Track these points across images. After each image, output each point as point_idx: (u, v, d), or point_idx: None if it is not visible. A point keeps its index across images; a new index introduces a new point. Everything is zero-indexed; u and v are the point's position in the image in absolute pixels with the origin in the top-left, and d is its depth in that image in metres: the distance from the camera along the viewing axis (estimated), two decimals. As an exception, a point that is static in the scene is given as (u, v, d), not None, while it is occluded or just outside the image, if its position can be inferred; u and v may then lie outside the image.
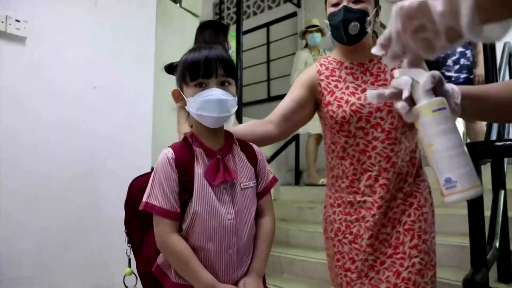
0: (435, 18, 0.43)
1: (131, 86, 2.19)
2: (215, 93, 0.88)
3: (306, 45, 3.79)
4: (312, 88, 1.22)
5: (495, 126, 1.86)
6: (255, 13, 5.54)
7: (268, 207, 1.02)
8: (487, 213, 1.70)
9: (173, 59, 2.10)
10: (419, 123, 0.63)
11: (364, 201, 1.13)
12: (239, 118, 2.93)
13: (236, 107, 0.94)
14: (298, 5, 4.92)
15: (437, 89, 0.65)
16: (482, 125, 2.89)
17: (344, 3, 1.14)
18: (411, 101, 0.65)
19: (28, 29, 1.75)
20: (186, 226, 0.89)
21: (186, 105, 0.93)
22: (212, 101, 0.88)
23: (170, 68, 0.84)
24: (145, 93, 2.26)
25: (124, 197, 1.05)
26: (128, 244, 1.05)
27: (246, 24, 4.96)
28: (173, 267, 0.90)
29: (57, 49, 1.87)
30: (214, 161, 0.90)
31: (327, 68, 1.23)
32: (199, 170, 0.89)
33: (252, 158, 1.00)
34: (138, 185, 1.02)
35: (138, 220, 1.02)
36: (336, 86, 1.19)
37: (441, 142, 0.59)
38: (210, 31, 1.93)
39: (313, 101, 1.24)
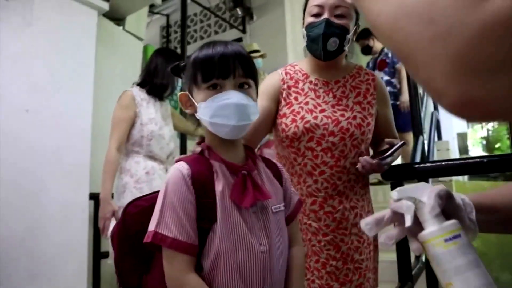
0: None
1: (69, 108, 2.10)
2: (232, 96, 0.72)
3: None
4: (275, 98, 1.14)
5: (419, 149, 2.04)
6: (202, 37, 5.61)
7: (297, 234, 0.86)
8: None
9: (115, 81, 2.06)
10: (430, 255, 0.50)
11: (310, 225, 1.08)
12: (183, 140, 2.91)
13: (258, 114, 0.77)
14: (244, 31, 5.08)
15: (445, 206, 0.53)
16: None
17: (326, 15, 1.06)
18: (415, 222, 0.52)
19: (-50, 48, 1.62)
20: (209, 263, 0.70)
21: (196, 111, 0.77)
22: (229, 106, 0.71)
23: (176, 69, 0.72)
24: (83, 114, 2.18)
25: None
26: None
27: (193, 48, 5.00)
28: None
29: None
30: (240, 178, 0.73)
31: (291, 78, 1.16)
32: (219, 188, 0.72)
33: (277, 176, 0.84)
34: (135, 212, 0.80)
35: (134, 258, 0.79)
36: (296, 99, 1.12)
37: (462, 282, 0.46)
38: (161, 59, 1.92)
39: (276, 110, 1.15)
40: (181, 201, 0.69)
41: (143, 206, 0.79)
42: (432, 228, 0.49)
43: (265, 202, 0.75)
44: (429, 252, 0.49)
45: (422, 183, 0.54)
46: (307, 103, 1.11)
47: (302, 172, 1.09)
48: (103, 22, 2.68)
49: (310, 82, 1.15)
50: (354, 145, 1.08)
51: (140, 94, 1.87)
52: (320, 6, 1.07)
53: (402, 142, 1.03)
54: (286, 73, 1.17)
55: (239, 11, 4.56)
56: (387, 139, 1.07)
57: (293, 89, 1.14)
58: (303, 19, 1.15)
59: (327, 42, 1.05)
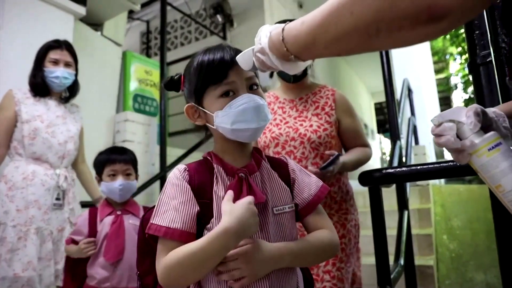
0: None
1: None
2: (249, 99, 0.72)
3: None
4: None
5: (396, 153, 2.08)
6: (182, 44, 5.59)
7: (322, 222, 0.79)
8: (394, 232, 1.87)
9: (92, 87, 2.02)
10: (477, 166, 0.57)
11: None
12: (163, 148, 2.87)
13: (271, 113, 0.78)
14: (224, 38, 5.10)
15: (482, 122, 0.59)
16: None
17: None
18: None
19: None
20: None
21: (207, 122, 0.77)
22: (248, 110, 0.71)
23: (171, 84, 0.65)
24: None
25: None
26: None
27: (173, 55, 4.98)
28: (189, 275, 0.66)
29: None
30: (236, 180, 0.73)
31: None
32: (217, 190, 0.73)
33: (285, 175, 0.81)
34: (149, 217, 0.82)
35: (150, 259, 0.79)
36: None
37: (510, 181, 0.53)
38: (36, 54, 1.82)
39: None
40: (179, 192, 0.71)
41: None
42: (475, 141, 0.56)
43: (265, 204, 0.74)
44: (476, 163, 0.57)
45: (457, 107, 0.61)
46: (275, 119, 1.36)
47: None
48: (80, 27, 2.64)
49: (280, 102, 1.41)
50: (313, 148, 1.29)
51: (26, 92, 1.78)
52: None
53: (336, 154, 1.19)
54: None
55: (219, 18, 4.57)
56: (327, 151, 1.25)
57: None
58: None
59: None
